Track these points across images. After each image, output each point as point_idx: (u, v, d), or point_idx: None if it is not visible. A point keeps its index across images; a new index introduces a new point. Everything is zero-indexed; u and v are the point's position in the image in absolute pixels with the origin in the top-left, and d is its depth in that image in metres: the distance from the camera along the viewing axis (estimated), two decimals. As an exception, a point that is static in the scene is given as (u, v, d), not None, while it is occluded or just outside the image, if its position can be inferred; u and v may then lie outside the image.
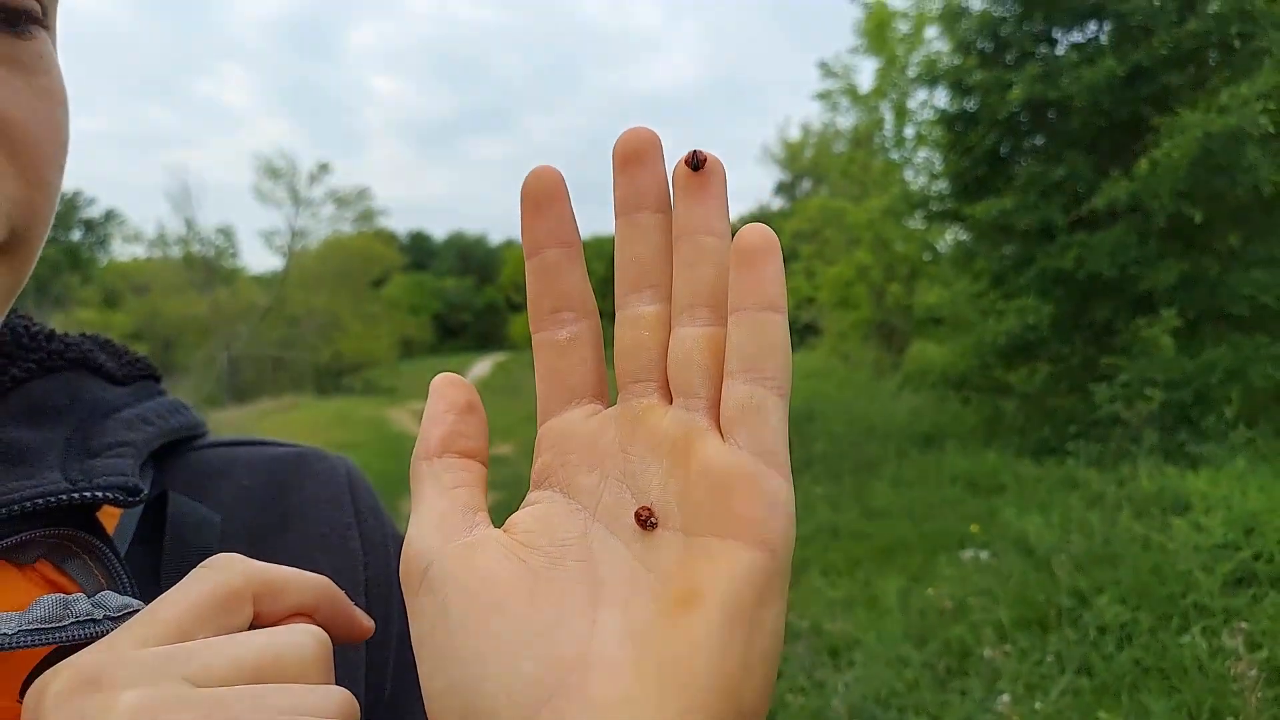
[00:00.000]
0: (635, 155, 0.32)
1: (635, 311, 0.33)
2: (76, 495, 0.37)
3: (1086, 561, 3.69)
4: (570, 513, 0.31)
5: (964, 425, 7.72)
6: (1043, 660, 3.13)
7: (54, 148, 0.37)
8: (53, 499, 0.36)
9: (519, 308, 38.84)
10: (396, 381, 31.13)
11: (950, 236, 9.69)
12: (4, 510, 0.35)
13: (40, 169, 0.36)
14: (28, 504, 0.36)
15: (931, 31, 9.63)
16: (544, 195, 0.33)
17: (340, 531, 0.48)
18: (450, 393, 0.34)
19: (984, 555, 4.19)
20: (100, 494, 0.37)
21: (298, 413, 18.86)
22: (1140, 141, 6.77)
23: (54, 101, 0.37)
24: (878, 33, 10.88)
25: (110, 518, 0.41)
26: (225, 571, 0.32)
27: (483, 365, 35.03)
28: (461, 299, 52.57)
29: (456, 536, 0.30)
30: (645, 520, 0.30)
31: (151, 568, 0.40)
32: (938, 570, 4.27)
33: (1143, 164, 6.21)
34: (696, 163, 0.32)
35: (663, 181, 0.33)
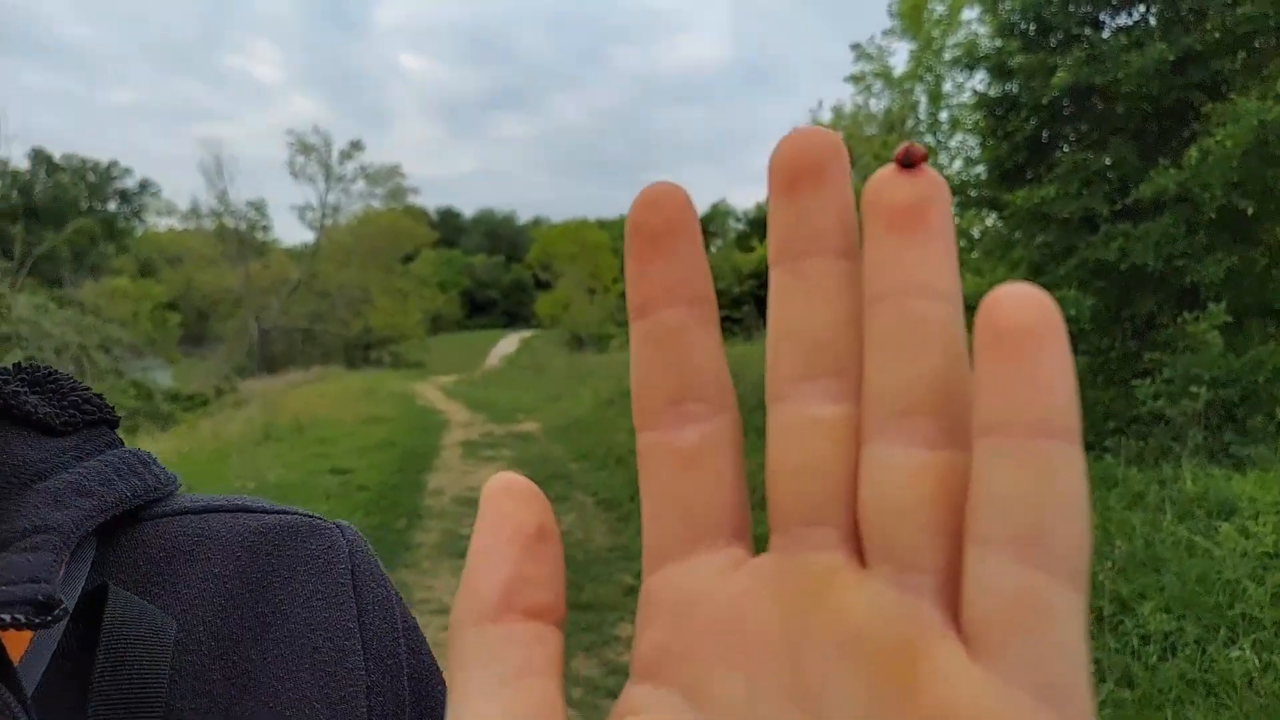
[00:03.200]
0: (810, 170, 0.19)
1: (804, 412, 0.19)
2: None
3: (1128, 565, 3.61)
4: None
5: (997, 416, 7.62)
6: (1082, 668, 3.07)
7: None
8: None
9: (545, 285, 38.90)
10: (425, 356, 31.40)
11: (985, 223, 9.54)
12: None
13: None
14: None
15: (969, 14, 9.43)
16: (664, 227, 0.20)
17: (338, 643, 0.37)
18: (513, 511, 0.19)
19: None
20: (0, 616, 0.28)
21: (326, 384, 19.06)
22: (1189, 129, 6.59)
23: None
24: (913, 14, 10.68)
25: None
26: None
27: (509, 342, 35.21)
28: (489, 276, 52.73)
29: None
30: None
31: (76, 698, 0.31)
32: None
33: (1193, 153, 6.03)
34: (910, 159, 0.19)
35: (850, 211, 0.20)
